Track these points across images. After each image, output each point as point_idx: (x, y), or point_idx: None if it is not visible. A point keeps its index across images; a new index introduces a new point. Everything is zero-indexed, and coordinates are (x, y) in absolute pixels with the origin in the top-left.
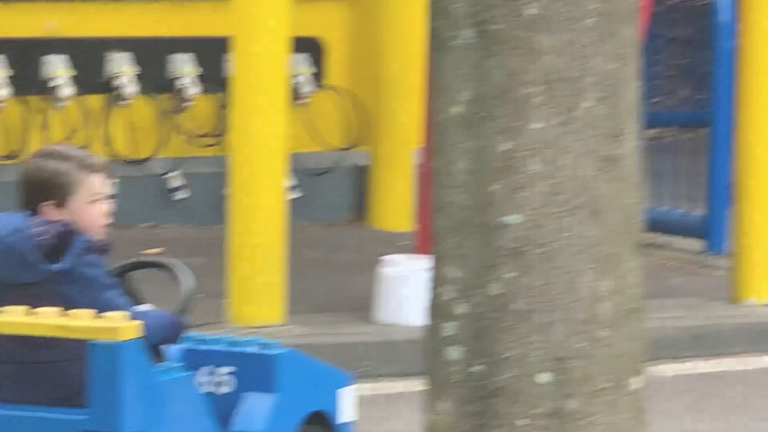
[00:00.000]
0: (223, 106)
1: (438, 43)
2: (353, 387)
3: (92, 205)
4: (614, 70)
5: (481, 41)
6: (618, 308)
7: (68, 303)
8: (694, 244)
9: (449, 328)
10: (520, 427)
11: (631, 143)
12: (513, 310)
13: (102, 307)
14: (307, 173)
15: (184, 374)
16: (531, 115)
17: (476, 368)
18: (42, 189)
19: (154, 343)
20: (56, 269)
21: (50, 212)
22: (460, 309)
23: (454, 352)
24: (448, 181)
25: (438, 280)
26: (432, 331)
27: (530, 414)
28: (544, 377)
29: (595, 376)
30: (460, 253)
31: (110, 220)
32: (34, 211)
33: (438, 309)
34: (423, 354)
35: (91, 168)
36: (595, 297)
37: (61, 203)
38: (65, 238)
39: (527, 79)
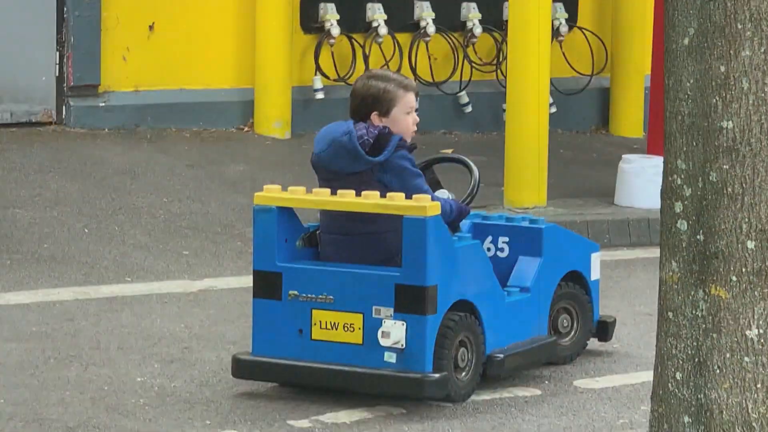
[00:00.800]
0: (501, 42)
1: None
2: (599, 253)
3: (406, 116)
4: None
5: None
6: None
7: (385, 188)
8: None
9: (678, 206)
10: (732, 282)
11: None
12: (727, 193)
13: (411, 191)
14: (563, 93)
15: (473, 242)
16: (743, 45)
17: (699, 237)
18: (371, 102)
19: (448, 221)
20: (377, 161)
21: (376, 120)
22: (687, 192)
23: (682, 225)
24: (679, 95)
25: (670, 171)
26: (665, 208)
27: (740, 272)
28: (751, 244)
29: None
30: (686, 150)
31: (416, 128)
32: (362, 119)
33: (670, 192)
34: (658, 227)
35: (406, 87)
36: None
37: (384, 113)
38: (384, 138)
39: (740, 18)
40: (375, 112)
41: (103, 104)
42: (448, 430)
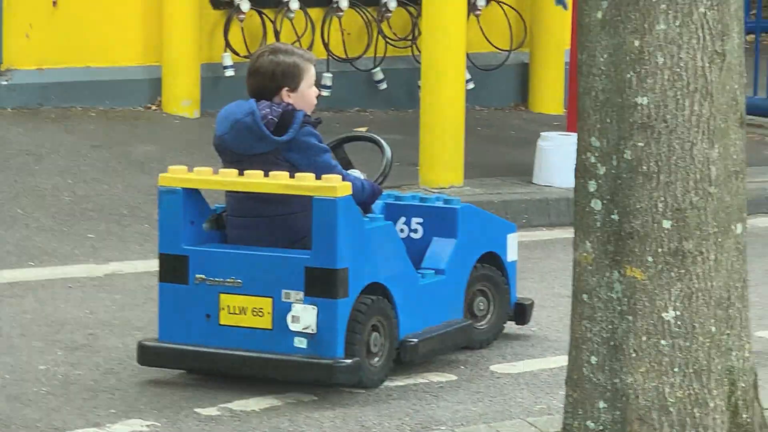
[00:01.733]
0: (416, 17)
1: None
2: (516, 234)
3: (310, 89)
4: None
5: None
6: (725, 170)
7: (293, 167)
8: None
9: (592, 185)
10: (648, 263)
11: (735, 42)
12: (642, 171)
13: (320, 169)
14: (480, 69)
15: (385, 223)
16: (657, 18)
17: (613, 216)
18: (281, 78)
19: (360, 201)
20: (283, 140)
21: (285, 96)
22: (601, 170)
23: (596, 204)
24: (593, 70)
25: (583, 149)
26: (579, 187)
27: (656, 252)
28: (666, 223)
29: (706, 222)
30: (600, 127)
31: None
32: (267, 97)
33: (583, 170)
34: (572, 206)
35: (310, 60)
36: (706, 161)
37: (294, 88)
38: (288, 115)
39: None
40: (286, 88)
41: (6, 83)
42: (361, 417)
